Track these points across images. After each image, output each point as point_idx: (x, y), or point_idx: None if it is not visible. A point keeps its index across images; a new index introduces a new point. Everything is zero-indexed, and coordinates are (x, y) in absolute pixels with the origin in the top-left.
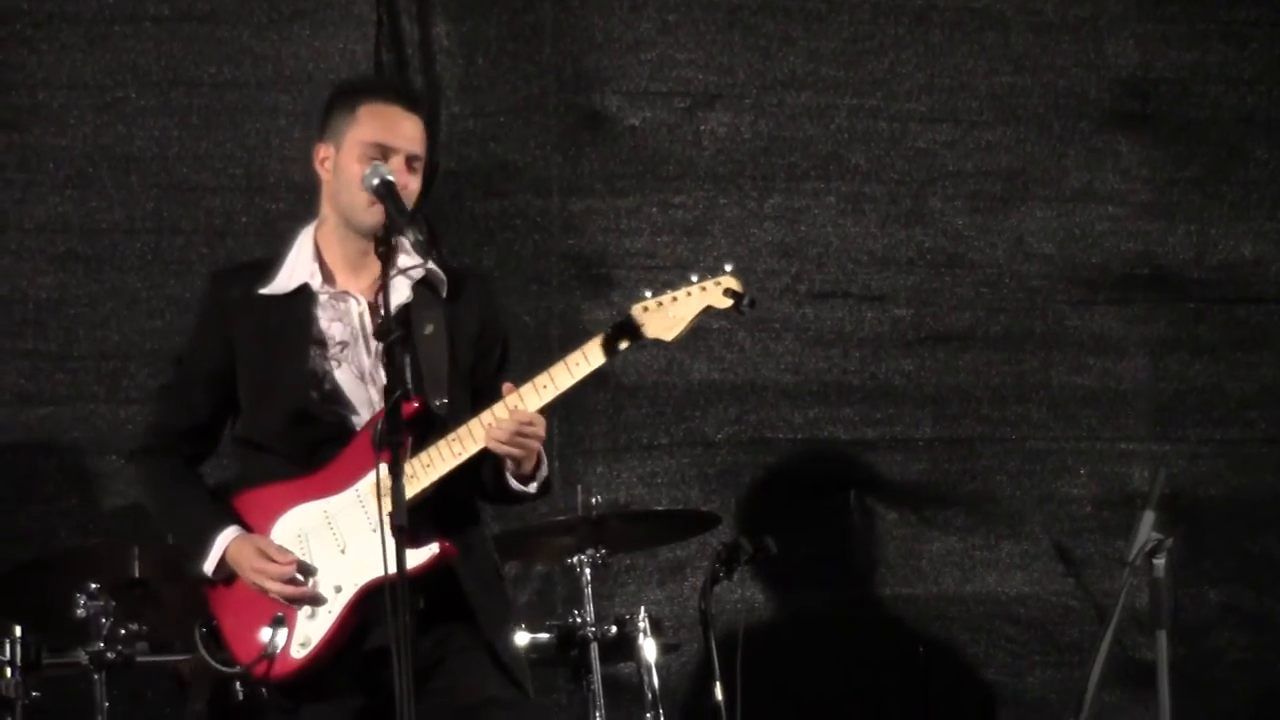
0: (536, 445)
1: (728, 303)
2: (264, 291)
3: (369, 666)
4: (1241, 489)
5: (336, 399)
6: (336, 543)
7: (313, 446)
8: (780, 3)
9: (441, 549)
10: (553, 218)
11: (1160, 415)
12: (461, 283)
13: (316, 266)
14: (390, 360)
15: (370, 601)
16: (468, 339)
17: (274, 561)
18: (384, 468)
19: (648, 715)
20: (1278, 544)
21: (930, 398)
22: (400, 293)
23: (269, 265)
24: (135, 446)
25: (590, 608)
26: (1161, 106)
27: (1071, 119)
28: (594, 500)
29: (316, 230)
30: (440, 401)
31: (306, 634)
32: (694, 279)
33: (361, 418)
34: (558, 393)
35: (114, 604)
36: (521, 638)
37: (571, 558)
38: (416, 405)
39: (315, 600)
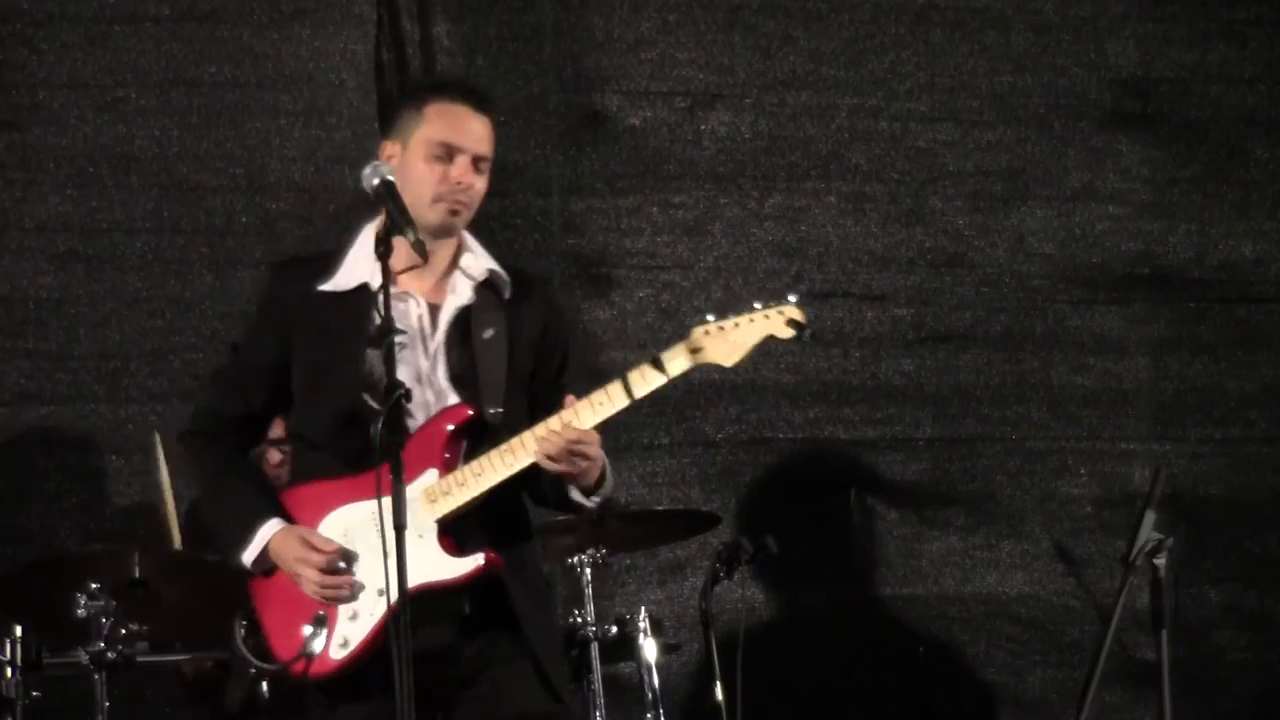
0: (586, 463)
1: (790, 333)
2: (323, 288)
3: (429, 662)
4: (1242, 488)
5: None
6: (382, 545)
7: (364, 447)
8: (781, 2)
9: (487, 560)
10: (553, 217)
11: (1161, 415)
12: (524, 285)
13: (377, 266)
14: (388, 360)
15: (412, 606)
16: (528, 343)
17: (317, 551)
18: (434, 472)
19: (648, 715)
20: (1278, 544)
21: (930, 397)
22: (461, 294)
23: (330, 260)
24: (187, 429)
25: (591, 607)
26: (1162, 106)
27: (1072, 119)
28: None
29: (379, 228)
30: (495, 410)
31: (346, 635)
32: (757, 305)
33: (415, 420)
34: (614, 411)
35: (114, 604)
36: None
37: (572, 558)
38: (471, 412)
39: (355, 590)
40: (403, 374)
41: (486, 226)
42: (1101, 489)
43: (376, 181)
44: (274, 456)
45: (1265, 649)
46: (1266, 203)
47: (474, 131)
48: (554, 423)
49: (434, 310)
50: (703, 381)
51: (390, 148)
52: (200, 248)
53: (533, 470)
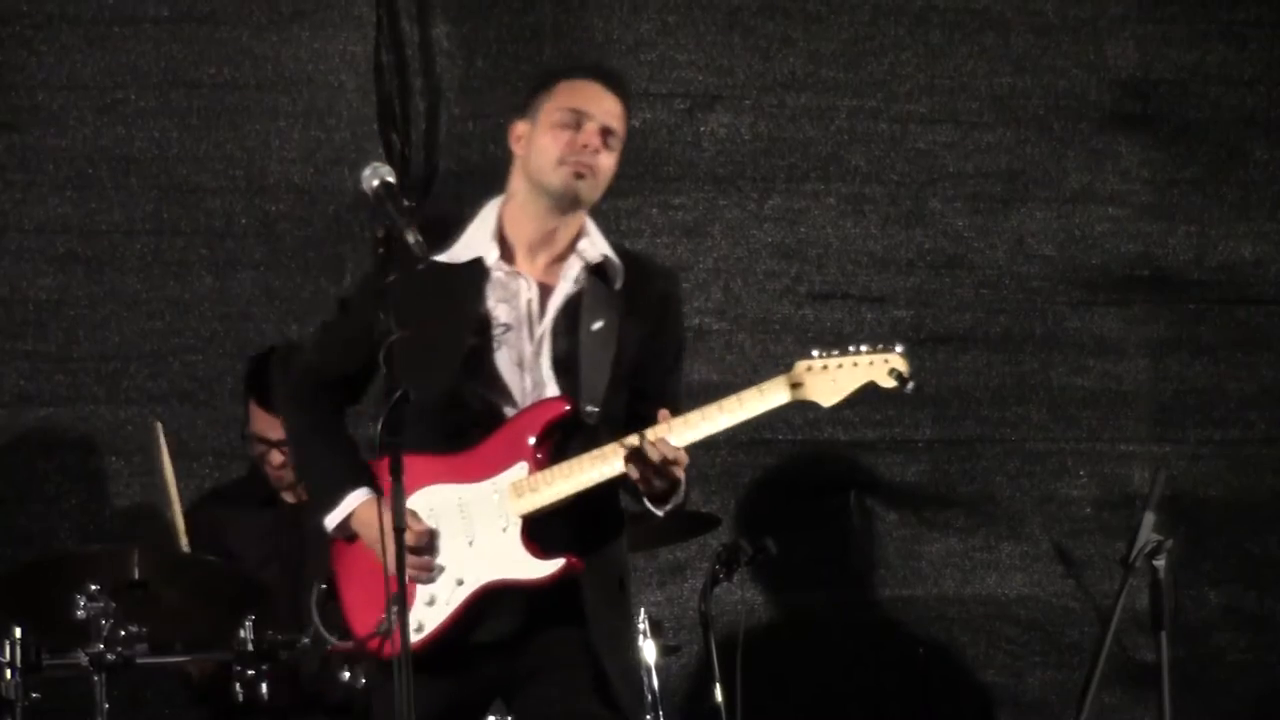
0: (664, 484)
1: (891, 384)
2: (438, 258)
3: (472, 658)
4: (1242, 490)
5: (488, 383)
6: (465, 534)
7: (458, 428)
8: (780, 4)
9: (567, 564)
10: None
11: (1160, 416)
12: (643, 275)
13: (495, 242)
14: (388, 359)
15: (486, 598)
16: (638, 337)
17: (408, 528)
18: (524, 466)
19: (648, 716)
20: (1278, 545)
21: (930, 399)
22: (573, 280)
23: (450, 229)
24: (287, 379)
25: None
26: (1161, 107)
27: (1071, 120)
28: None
29: (503, 205)
30: (591, 408)
31: (420, 620)
32: (864, 348)
33: (511, 408)
34: (708, 433)
35: (114, 605)
36: None
37: None
38: (567, 408)
39: (434, 573)
40: (504, 358)
41: None
42: (1101, 490)
43: (376, 183)
44: (275, 458)
45: (1265, 650)
46: (1266, 204)
47: (603, 104)
48: (648, 434)
49: (545, 293)
50: (701, 383)
51: (520, 128)
52: (200, 249)
53: (608, 486)
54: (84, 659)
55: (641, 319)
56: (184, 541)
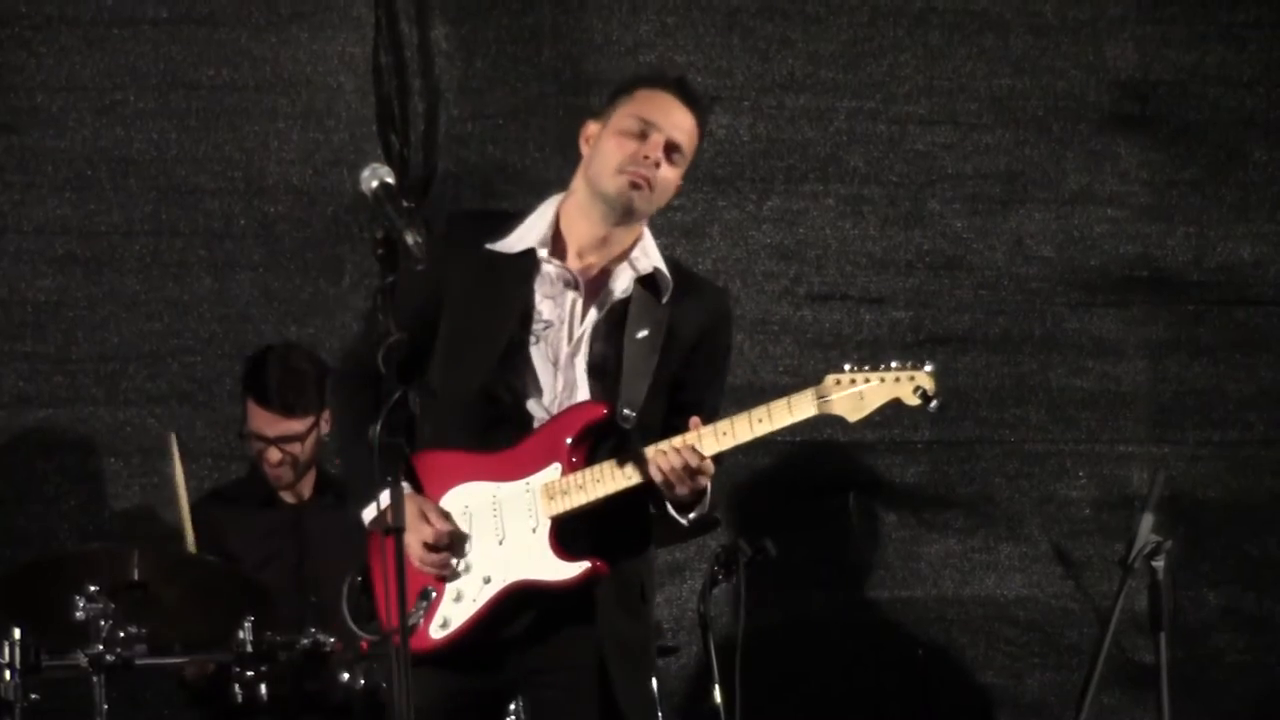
0: (687, 492)
1: (916, 402)
2: (491, 246)
3: (492, 656)
4: (1240, 491)
5: (521, 377)
6: (497, 532)
7: (486, 423)
8: (779, 5)
9: (592, 568)
10: None
11: (1159, 417)
12: (691, 289)
13: (550, 235)
14: (388, 359)
15: (513, 597)
16: (681, 348)
17: (429, 524)
18: (557, 468)
19: None
20: (1277, 546)
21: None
22: (622, 287)
23: (508, 218)
24: (339, 369)
25: None
26: (1160, 109)
27: (1070, 121)
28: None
29: (563, 201)
30: (627, 412)
31: (446, 616)
32: (894, 364)
33: (539, 404)
34: (735, 443)
35: (113, 606)
36: None
37: None
38: (604, 412)
39: (454, 571)
40: (540, 354)
41: None
42: (1100, 491)
43: (375, 184)
44: (273, 456)
45: (1264, 651)
46: (1265, 205)
47: (674, 117)
48: (677, 441)
49: (590, 296)
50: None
51: (591, 128)
52: (199, 250)
53: (637, 492)
54: (83, 660)
55: (687, 334)
56: (191, 542)
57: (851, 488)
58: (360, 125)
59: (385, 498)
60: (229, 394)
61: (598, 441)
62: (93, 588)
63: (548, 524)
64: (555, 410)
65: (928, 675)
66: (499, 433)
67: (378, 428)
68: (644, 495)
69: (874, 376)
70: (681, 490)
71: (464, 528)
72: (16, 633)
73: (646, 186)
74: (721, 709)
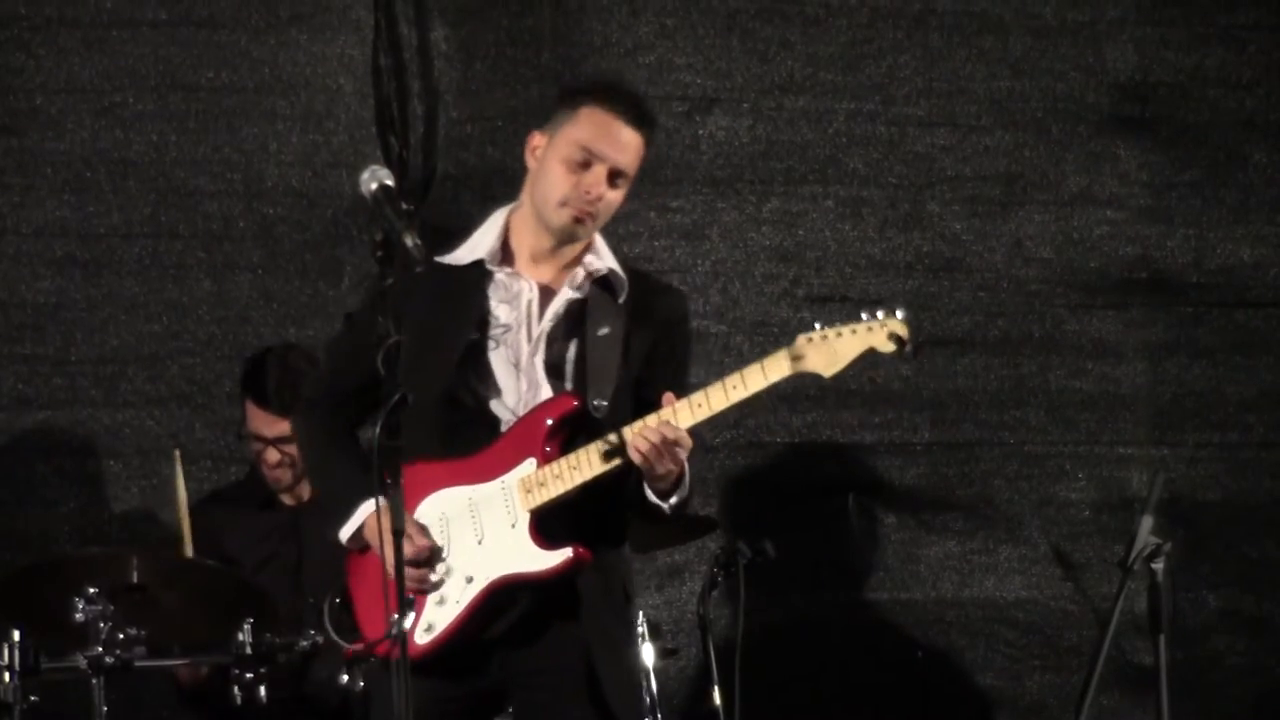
0: (673, 466)
1: (891, 347)
2: (441, 260)
3: (482, 656)
4: (1240, 493)
5: (484, 381)
6: (475, 533)
7: (453, 430)
8: (778, 7)
9: (576, 554)
10: None
11: (1159, 419)
12: (649, 291)
13: (499, 246)
14: (388, 362)
15: (497, 595)
16: (642, 348)
17: (407, 539)
18: (532, 462)
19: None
20: (1276, 548)
21: (928, 402)
22: (578, 287)
23: (456, 235)
24: (304, 398)
25: None
26: (1160, 110)
27: (1070, 123)
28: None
29: (512, 212)
30: (599, 403)
31: (431, 620)
32: (864, 315)
33: (504, 406)
34: (711, 414)
35: (112, 608)
36: None
37: None
38: (575, 404)
39: (435, 583)
40: (502, 357)
41: None
42: (1099, 493)
43: (374, 186)
44: (272, 456)
45: (1263, 653)
46: (1265, 207)
47: (620, 142)
48: (651, 419)
49: (546, 298)
50: (699, 385)
51: (538, 139)
52: (198, 252)
53: (620, 475)
54: (82, 662)
55: (646, 333)
56: (188, 548)
57: (851, 489)
58: (359, 127)
59: (360, 513)
60: (228, 396)
61: (571, 435)
62: (92, 590)
63: (526, 517)
64: (521, 411)
65: (927, 677)
66: (467, 438)
67: (377, 431)
68: (621, 482)
69: (845, 329)
70: (661, 468)
71: (441, 534)
72: (15, 635)
73: (590, 219)
74: (721, 711)
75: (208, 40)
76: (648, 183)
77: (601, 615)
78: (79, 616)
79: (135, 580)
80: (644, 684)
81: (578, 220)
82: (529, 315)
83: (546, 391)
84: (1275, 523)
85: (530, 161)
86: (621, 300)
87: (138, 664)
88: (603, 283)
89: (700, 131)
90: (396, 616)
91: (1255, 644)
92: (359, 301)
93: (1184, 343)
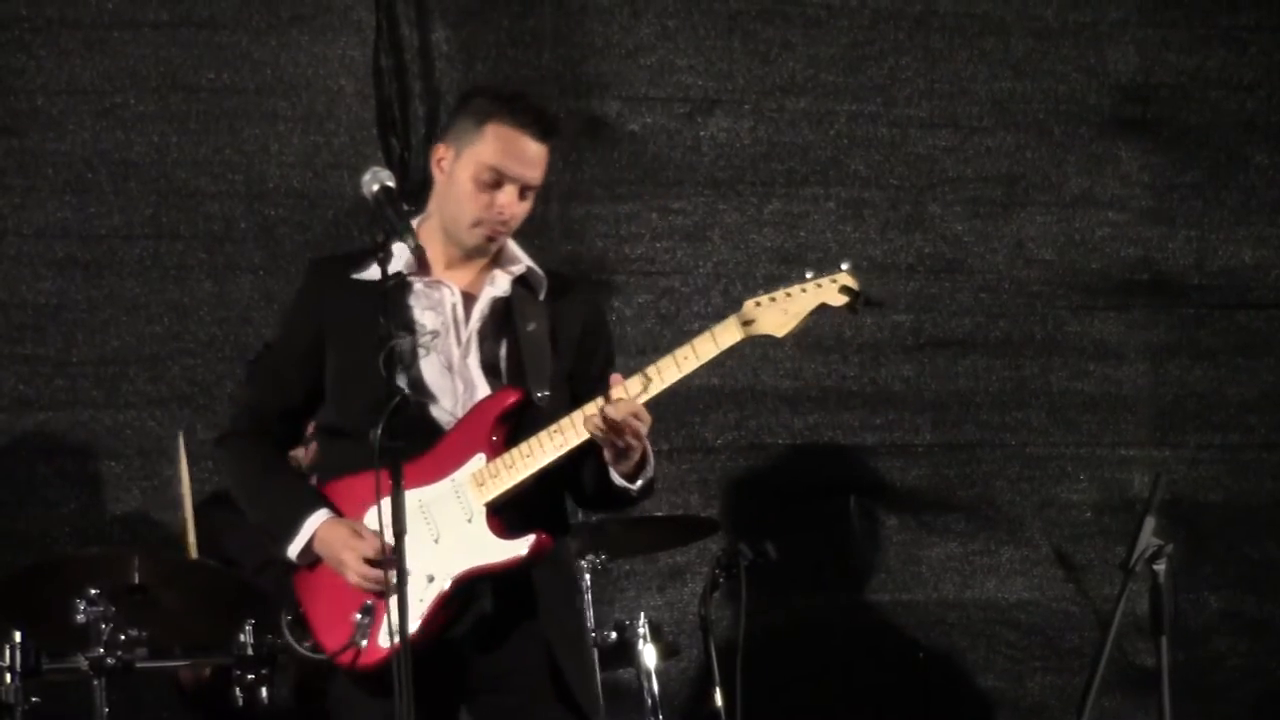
0: (636, 441)
1: (843, 299)
2: (358, 277)
3: (447, 661)
4: (1241, 494)
5: (419, 388)
6: (430, 532)
7: (392, 435)
8: (780, 8)
9: (540, 540)
10: (552, 223)
11: (1160, 421)
12: (566, 287)
13: (414, 259)
14: (389, 364)
15: (461, 591)
16: (569, 341)
17: (364, 539)
18: (481, 457)
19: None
20: (1278, 549)
21: (930, 403)
22: (499, 287)
23: (366, 254)
24: (224, 430)
25: (590, 613)
26: (1162, 112)
27: (1071, 124)
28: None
29: (420, 224)
30: (542, 394)
31: (397, 623)
32: (809, 275)
33: (442, 409)
34: (664, 386)
35: (114, 609)
36: None
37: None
38: (518, 396)
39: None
40: (433, 362)
41: None
42: (1101, 495)
43: (376, 188)
44: None
45: (1265, 654)
46: (1266, 209)
47: (529, 159)
48: (603, 400)
49: (469, 300)
50: (702, 387)
51: (443, 151)
52: (199, 253)
53: (573, 461)
54: (84, 663)
55: (571, 330)
56: (192, 546)
57: (852, 491)
58: (361, 128)
59: (308, 527)
60: (229, 397)
61: (514, 428)
62: (93, 591)
63: (483, 510)
64: (460, 412)
65: (928, 678)
66: (408, 445)
67: (378, 431)
68: (565, 473)
69: (794, 289)
70: (620, 444)
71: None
72: (17, 636)
73: (502, 235)
74: (723, 712)
75: (209, 41)
76: (649, 184)
77: (558, 610)
78: (80, 617)
79: (136, 581)
80: (645, 685)
81: (491, 239)
82: (455, 319)
83: (483, 390)
84: (1277, 524)
85: (437, 174)
86: (542, 296)
87: (139, 665)
88: (521, 281)
89: (702, 133)
90: (396, 613)
91: (1257, 645)
92: (276, 329)
93: (1185, 344)
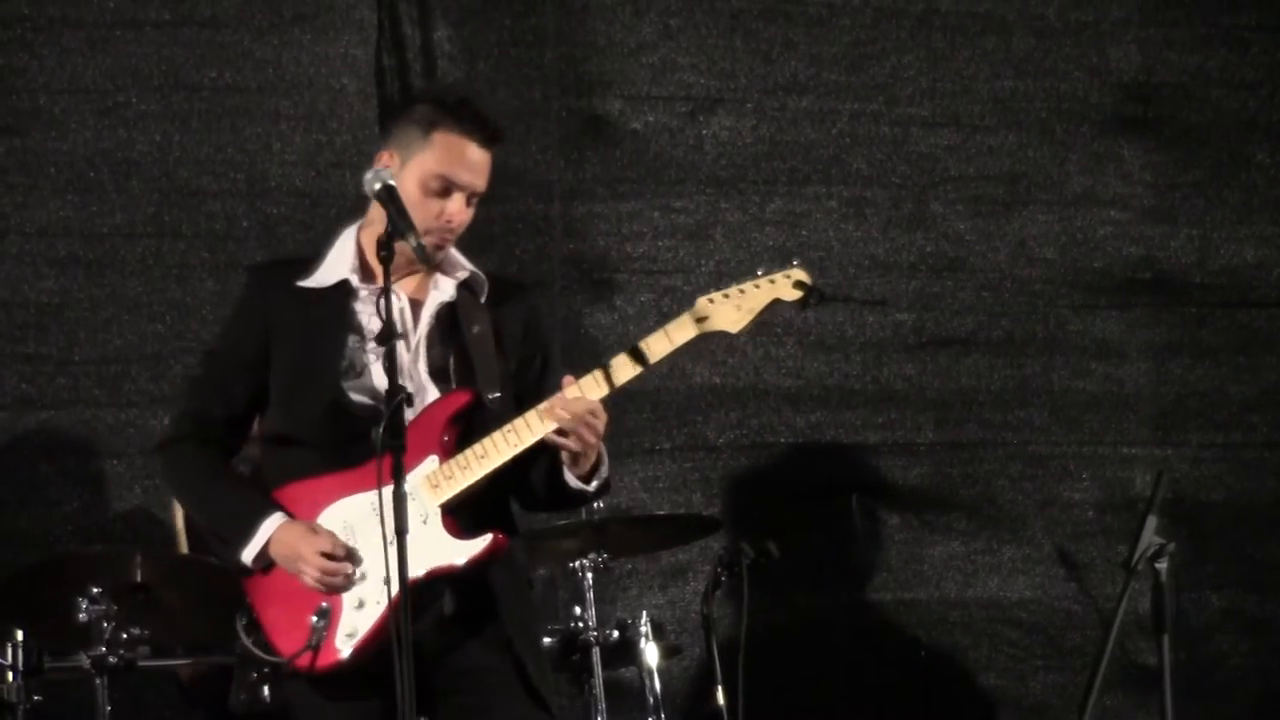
0: (594, 439)
1: (796, 294)
2: (303, 284)
3: (393, 666)
4: (1243, 493)
5: (371, 392)
6: (385, 534)
7: (345, 439)
8: (782, 7)
9: (496, 539)
10: (554, 222)
11: (1162, 419)
12: (506, 289)
13: (357, 264)
14: (389, 364)
15: (417, 593)
16: (513, 342)
17: (320, 535)
18: (434, 459)
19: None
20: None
21: (932, 402)
22: (444, 292)
23: (309, 261)
24: (167, 436)
25: (592, 612)
26: (1163, 111)
27: (1073, 123)
28: (596, 504)
29: (360, 231)
30: (493, 395)
31: (354, 625)
32: (761, 271)
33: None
34: (620, 383)
35: (116, 608)
36: None
37: (574, 562)
38: (470, 397)
39: (356, 579)
40: (382, 369)
41: (488, 231)
42: (1103, 494)
43: (378, 186)
44: None
45: (1267, 654)
46: (1268, 207)
47: (476, 166)
48: (557, 399)
49: (415, 306)
50: (704, 386)
51: (388, 158)
52: (201, 252)
53: (521, 464)
54: (86, 662)
55: (514, 331)
56: (183, 547)
57: (854, 490)
58: (363, 127)
59: (264, 530)
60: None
61: (465, 430)
62: (95, 589)
63: (438, 512)
64: (411, 416)
65: (930, 677)
66: (358, 450)
67: (380, 430)
68: (520, 483)
69: (747, 285)
70: (579, 444)
71: (348, 541)
72: (19, 634)
73: (450, 242)
74: (724, 710)
75: (211, 40)
76: (651, 182)
77: (516, 608)
78: (82, 616)
79: (139, 580)
80: (647, 684)
81: (439, 247)
82: (403, 325)
83: (433, 394)
84: (1278, 523)
85: None
86: (484, 300)
87: (141, 663)
88: (464, 285)
89: (704, 132)
90: (395, 612)
91: (1259, 644)
92: (217, 339)
93: (1187, 343)
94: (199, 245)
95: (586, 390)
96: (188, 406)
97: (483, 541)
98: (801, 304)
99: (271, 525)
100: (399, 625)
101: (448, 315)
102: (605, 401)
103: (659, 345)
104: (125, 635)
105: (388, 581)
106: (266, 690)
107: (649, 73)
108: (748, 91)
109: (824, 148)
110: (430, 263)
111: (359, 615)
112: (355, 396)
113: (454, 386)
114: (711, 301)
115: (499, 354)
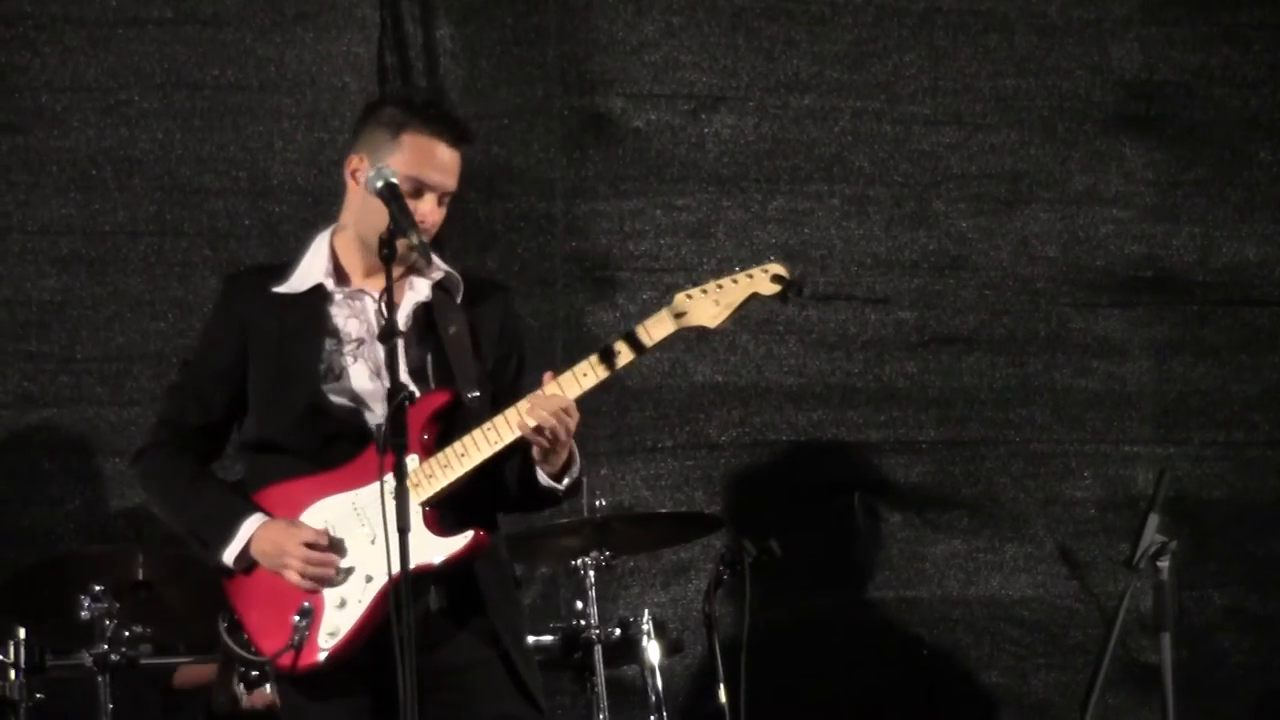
0: (565, 436)
1: (775, 288)
2: (278, 290)
3: (380, 664)
4: (1245, 491)
5: (350, 394)
6: (367, 533)
7: (325, 441)
8: (784, 5)
9: (477, 536)
10: (557, 220)
11: (1164, 418)
12: (480, 289)
13: (331, 268)
14: (391, 363)
15: (400, 591)
16: (489, 342)
17: (302, 528)
18: (414, 458)
19: (651, 718)
20: None
21: (934, 400)
22: (420, 292)
23: (283, 267)
24: (144, 443)
25: (594, 610)
26: (1166, 109)
27: (1076, 121)
28: (598, 502)
29: (334, 235)
30: (472, 394)
31: (336, 624)
32: (738, 267)
33: (373, 415)
34: (597, 381)
35: (118, 606)
36: None
37: (576, 560)
38: (449, 397)
39: (340, 574)
40: (362, 370)
41: (490, 230)
42: (1105, 492)
43: (380, 184)
44: None
45: (1268, 652)
46: (1270, 206)
47: (446, 167)
48: (536, 397)
49: (391, 307)
50: (705, 384)
51: (357, 161)
52: (203, 250)
53: (495, 463)
54: (88, 660)
55: (489, 330)
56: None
57: (856, 488)
58: None
59: (245, 530)
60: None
61: (445, 429)
62: (97, 588)
63: (419, 511)
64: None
65: (932, 675)
66: (338, 450)
67: (382, 428)
68: (501, 468)
69: (725, 281)
70: (552, 443)
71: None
72: (21, 633)
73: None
74: (726, 708)
75: (213, 38)
76: (653, 180)
77: (502, 605)
78: (84, 614)
79: (140, 578)
80: (649, 682)
81: (411, 248)
82: (379, 326)
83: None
84: None
85: (350, 184)
86: (459, 299)
87: (143, 662)
88: (439, 285)
89: (706, 130)
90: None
91: (1260, 642)
92: (195, 347)
93: (1189, 341)
94: (201, 243)
95: (566, 385)
96: (165, 415)
97: (464, 538)
98: (780, 298)
99: (253, 525)
100: (399, 624)
101: (424, 316)
102: (606, 401)
103: (640, 341)
104: (127, 633)
105: (370, 579)
106: (243, 689)
107: (651, 71)
108: (750, 90)
109: (826, 146)
110: (429, 260)
111: (341, 614)
112: (335, 399)
113: (433, 386)
114: (689, 297)
115: (475, 354)
